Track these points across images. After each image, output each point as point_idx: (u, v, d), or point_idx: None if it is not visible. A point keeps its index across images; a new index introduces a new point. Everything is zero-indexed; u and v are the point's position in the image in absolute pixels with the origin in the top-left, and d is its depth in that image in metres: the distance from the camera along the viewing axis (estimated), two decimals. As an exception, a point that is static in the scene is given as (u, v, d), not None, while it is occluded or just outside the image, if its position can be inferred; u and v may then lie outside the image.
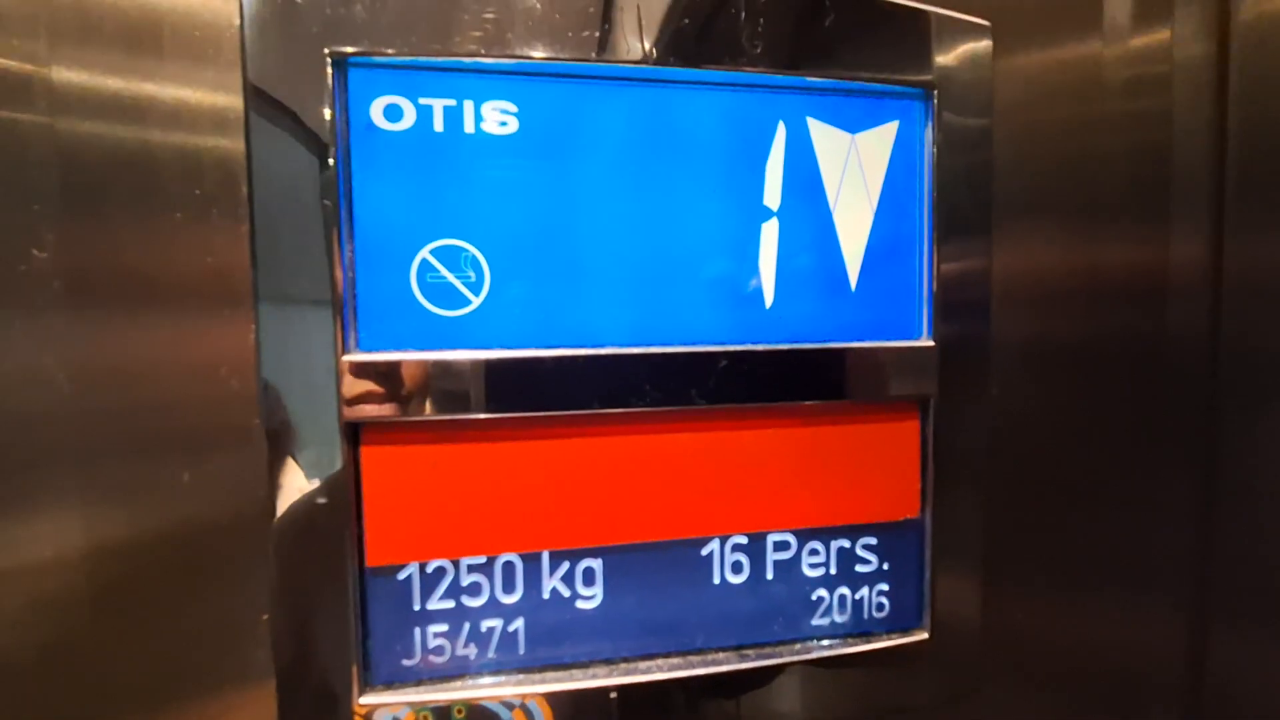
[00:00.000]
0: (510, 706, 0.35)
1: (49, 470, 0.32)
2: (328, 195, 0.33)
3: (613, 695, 0.36)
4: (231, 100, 0.33)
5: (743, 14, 0.36)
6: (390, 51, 0.33)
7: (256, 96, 0.32)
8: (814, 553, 0.40)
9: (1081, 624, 0.46)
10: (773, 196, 0.38)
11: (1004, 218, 0.42)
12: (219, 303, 0.33)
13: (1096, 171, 0.45)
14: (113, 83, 0.32)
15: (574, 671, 0.37)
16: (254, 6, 0.32)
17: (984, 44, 0.40)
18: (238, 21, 0.32)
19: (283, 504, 0.33)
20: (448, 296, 0.35)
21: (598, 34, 0.35)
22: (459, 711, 0.35)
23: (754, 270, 0.38)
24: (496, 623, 0.36)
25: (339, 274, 0.33)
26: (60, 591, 0.32)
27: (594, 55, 0.35)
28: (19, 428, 0.31)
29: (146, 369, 0.32)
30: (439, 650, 0.35)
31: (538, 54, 0.34)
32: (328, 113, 0.33)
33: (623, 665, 0.37)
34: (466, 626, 0.36)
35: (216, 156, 0.33)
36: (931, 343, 0.40)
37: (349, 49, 0.33)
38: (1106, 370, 0.45)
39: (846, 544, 0.40)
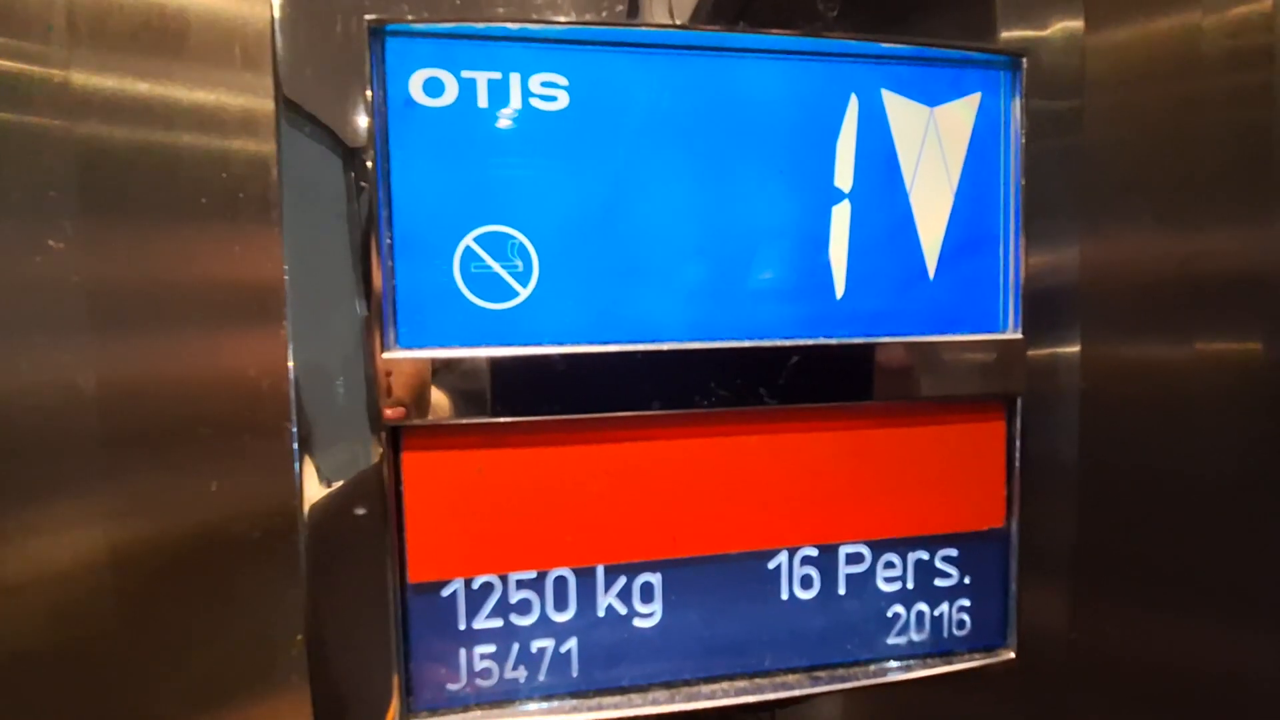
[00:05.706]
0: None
1: (75, 477, 0.29)
2: (364, 178, 0.30)
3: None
4: (262, 82, 0.30)
5: (815, -26, 0.33)
6: (429, 17, 0.30)
7: (288, 73, 0.29)
8: (889, 566, 0.36)
9: (1176, 644, 0.42)
10: (844, 177, 0.35)
11: (1095, 198, 0.38)
12: (247, 298, 0.30)
13: (1192, 149, 0.41)
14: (134, 68, 0.29)
15: (632, 696, 0.34)
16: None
17: (1074, 7, 0.37)
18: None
19: (318, 516, 0.30)
20: (493, 288, 0.32)
21: (656, -2, 0.32)
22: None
23: (824, 257, 0.35)
24: (548, 643, 0.33)
25: (377, 265, 0.30)
26: (87, 605, 0.29)
27: (651, 21, 0.32)
28: (45, 433, 0.29)
29: (172, 371, 0.30)
30: (486, 673, 0.33)
31: (589, 20, 0.31)
32: (364, 88, 0.30)
33: (684, 689, 0.34)
34: (515, 647, 0.33)
35: (244, 138, 0.30)
36: (1018, 335, 0.36)
37: (386, 17, 0.30)
38: (1204, 368, 0.41)
39: (925, 556, 0.37)
